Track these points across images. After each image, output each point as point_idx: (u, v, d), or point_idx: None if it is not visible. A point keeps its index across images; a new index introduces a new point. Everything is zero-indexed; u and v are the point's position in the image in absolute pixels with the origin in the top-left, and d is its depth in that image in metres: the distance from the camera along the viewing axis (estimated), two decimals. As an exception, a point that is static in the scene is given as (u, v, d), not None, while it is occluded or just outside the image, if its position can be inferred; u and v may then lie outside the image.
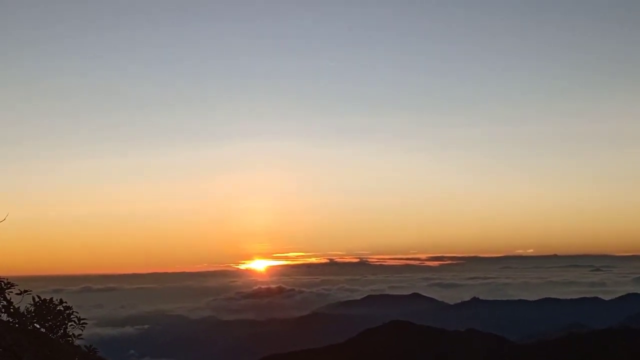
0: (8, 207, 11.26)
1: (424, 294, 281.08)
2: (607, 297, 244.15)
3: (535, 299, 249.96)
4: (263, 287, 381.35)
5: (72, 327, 11.02)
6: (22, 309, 10.48)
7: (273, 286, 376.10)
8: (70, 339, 11.05)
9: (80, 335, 11.23)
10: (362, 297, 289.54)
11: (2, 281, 10.17)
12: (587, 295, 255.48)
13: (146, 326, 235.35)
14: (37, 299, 10.64)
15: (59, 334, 10.96)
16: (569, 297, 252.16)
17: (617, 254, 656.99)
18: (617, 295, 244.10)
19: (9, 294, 10.28)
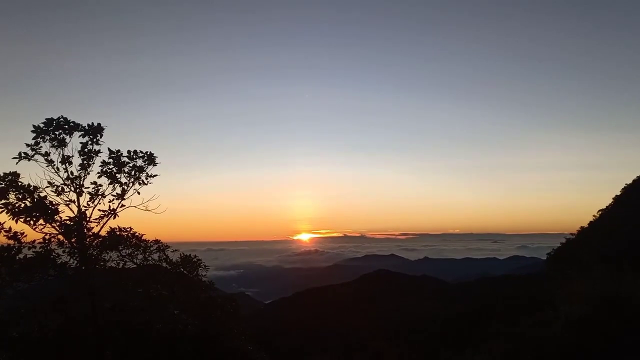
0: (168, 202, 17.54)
1: (397, 254, 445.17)
2: (501, 258, 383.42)
3: (461, 257, 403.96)
4: (306, 249, 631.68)
5: (201, 270, 16.68)
6: (174, 260, 16.50)
7: (312, 249, 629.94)
8: (199, 277, 16.72)
9: (205, 275, 16.94)
10: (362, 255, 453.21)
11: (163, 244, 16.58)
12: (490, 256, 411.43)
13: (242, 270, 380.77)
14: (182, 254, 16.60)
15: (193, 274, 16.58)
16: (479, 257, 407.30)
17: (507, 233, 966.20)
18: (506, 257, 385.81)
19: (166, 252, 16.43)
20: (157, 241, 16.22)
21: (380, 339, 78.59)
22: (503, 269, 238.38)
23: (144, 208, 15.58)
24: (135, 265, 15.94)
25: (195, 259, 16.78)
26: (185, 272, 16.61)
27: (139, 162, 15.66)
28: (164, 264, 16.34)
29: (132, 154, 15.53)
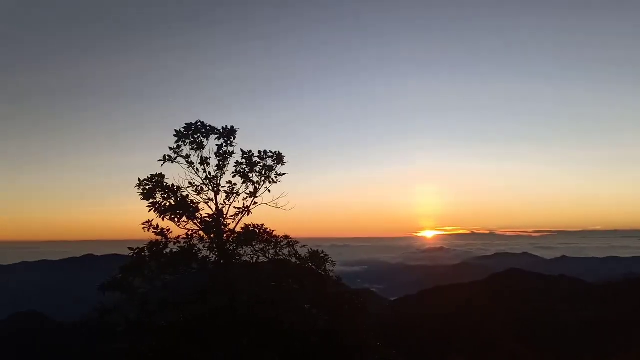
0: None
1: (530, 253, 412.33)
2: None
3: (603, 256, 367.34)
4: (431, 247, 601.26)
5: (328, 265, 17.23)
6: (302, 255, 17.26)
7: (438, 246, 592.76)
8: (327, 272, 17.28)
9: (332, 270, 17.44)
10: (492, 254, 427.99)
11: (292, 239, 17.29)
12: (637, 255, 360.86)
13: (366, 267, 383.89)
14: (310, 250, 17.19)
15: (321, 269, 17.13)
16: (625, 255, 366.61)
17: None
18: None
19: (295, 247, 17.26)
20: (286, 237, 17.00)
21: (512, 340, 75.14)
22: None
23: (274, 205, 16.59)
24: (266, 260, 16.83)
25: (322, 255, 17.29)
26: (313, 267, 17.20)
27: (269, 162, 16.63)
28: (294, 259, 17.10)
29: (262, 154, 16.54)
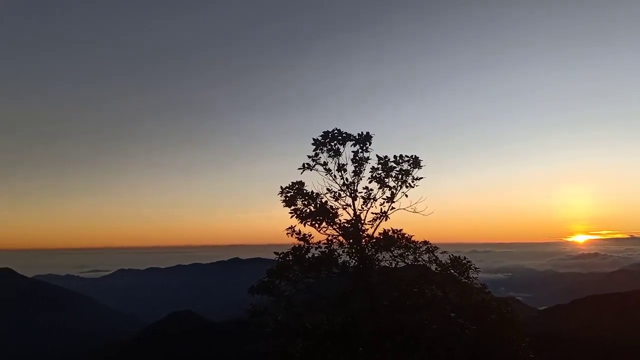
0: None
1: None
2: None
3: None
4: (584, 252, 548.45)
5: (471, 272, 16.62)
6: (443, 261, 16.89)
7: (591, 252, 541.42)
8: (470, 279, 16.71)
9: (476, 277, 16.83)
10: None
11: (431, 245, 16.89)
12: None
13: (510, 274, 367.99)
14: (451, 256, 16.77)
15: (464, 276, 16.59)
16: None
17: None
18: None
19: (435, 253, 16.82)
20: (425, 242, 16.73)
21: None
22: None
23: (412, 210, 16.46)
24: (403, 265, 16.68)
25: (465, 261, 16.74)
26: (455, 274, 16.69)
27: (405, 166, 16.54)
28: (434, 265, 16.75)
29: (398, 158, 16.49)
